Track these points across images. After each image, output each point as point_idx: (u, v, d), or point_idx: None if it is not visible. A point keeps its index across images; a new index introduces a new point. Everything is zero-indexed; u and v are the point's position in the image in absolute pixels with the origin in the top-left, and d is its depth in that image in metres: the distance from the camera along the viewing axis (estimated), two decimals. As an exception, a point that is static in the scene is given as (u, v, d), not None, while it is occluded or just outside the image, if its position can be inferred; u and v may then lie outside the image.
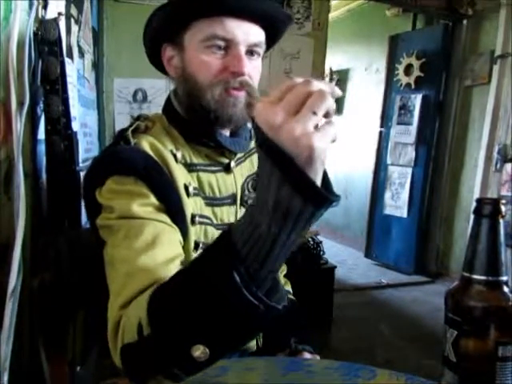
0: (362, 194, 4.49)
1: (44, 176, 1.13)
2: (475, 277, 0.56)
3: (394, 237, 3.91)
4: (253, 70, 0.79)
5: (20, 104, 0.87)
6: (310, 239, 2.76)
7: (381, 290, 3.39)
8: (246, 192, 0.90)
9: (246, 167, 0.92)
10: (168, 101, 0.87)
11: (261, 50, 0.82)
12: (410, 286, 3.50)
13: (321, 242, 2.83)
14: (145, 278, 0.60)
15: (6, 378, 0.68)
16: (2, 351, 0.65)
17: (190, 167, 0.80)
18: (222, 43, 0.77)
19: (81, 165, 1.77)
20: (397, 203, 3.86)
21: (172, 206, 0.73)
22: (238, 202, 0.88)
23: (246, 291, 0.46)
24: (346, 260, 4.22)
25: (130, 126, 0.79)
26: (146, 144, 0.75)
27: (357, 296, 3.24)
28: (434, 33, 3.65)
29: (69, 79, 1.33)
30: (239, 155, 0.89)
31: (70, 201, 1.27)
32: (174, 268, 0.63)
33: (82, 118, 1.91)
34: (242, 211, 0.88)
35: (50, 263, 0.70)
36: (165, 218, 0.71)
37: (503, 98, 3.17)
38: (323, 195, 0.44)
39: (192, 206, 0.77)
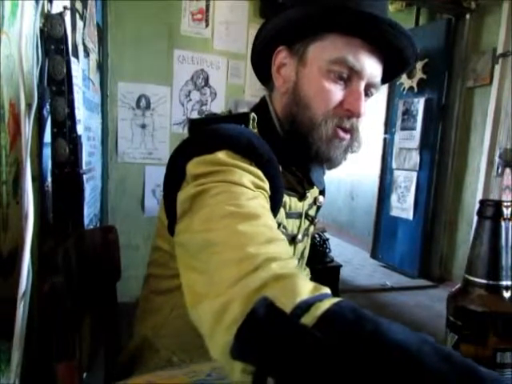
0: (368, 195, 4.54)
1: (49, 179, 1.12)
2: (475, 280, 0.55)
3: (399, 239, 3.90)
4: (365, 112, 0.69)
5: (28, 105, 0.85)
6: (316, 235, 2.61)
7: (385, 292, 3.37)
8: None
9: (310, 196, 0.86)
10: (264, 111, 0.75)
11: (375, 92, 0.71)
12: (414, 290, 3.48)
13: (328, 239, 2.70)
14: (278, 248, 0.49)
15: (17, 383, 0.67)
16: (14, 357, 0.64)
17: None
18: (346, 73, 0.66)
19: (84, 168, 1.76)
20: (403, 205, 3.86)
21: (276, 208, 0.64)
22: (303, 216, 0.82)
23: None
24: (352, 260, 4.21)
25: (244, 114, 0.69)
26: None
27: (361, 298, 3.21)
28: (437, 29, 3.60)
29: (74, 80, 1.28)
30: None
31: (74, 204, 1.26)
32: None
33: (86, 122, 1.87)
34: (305, 223, 0.84)
35: (60, 266, 0.69)
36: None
37: (504, 101, 3.10)
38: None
39: (277, 215, 0.70)
